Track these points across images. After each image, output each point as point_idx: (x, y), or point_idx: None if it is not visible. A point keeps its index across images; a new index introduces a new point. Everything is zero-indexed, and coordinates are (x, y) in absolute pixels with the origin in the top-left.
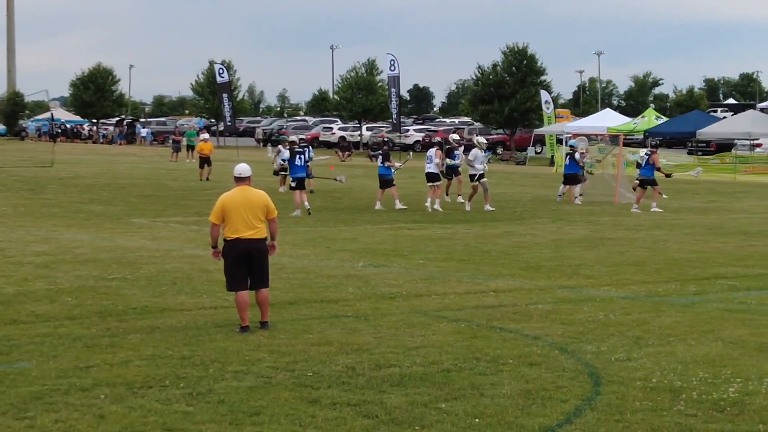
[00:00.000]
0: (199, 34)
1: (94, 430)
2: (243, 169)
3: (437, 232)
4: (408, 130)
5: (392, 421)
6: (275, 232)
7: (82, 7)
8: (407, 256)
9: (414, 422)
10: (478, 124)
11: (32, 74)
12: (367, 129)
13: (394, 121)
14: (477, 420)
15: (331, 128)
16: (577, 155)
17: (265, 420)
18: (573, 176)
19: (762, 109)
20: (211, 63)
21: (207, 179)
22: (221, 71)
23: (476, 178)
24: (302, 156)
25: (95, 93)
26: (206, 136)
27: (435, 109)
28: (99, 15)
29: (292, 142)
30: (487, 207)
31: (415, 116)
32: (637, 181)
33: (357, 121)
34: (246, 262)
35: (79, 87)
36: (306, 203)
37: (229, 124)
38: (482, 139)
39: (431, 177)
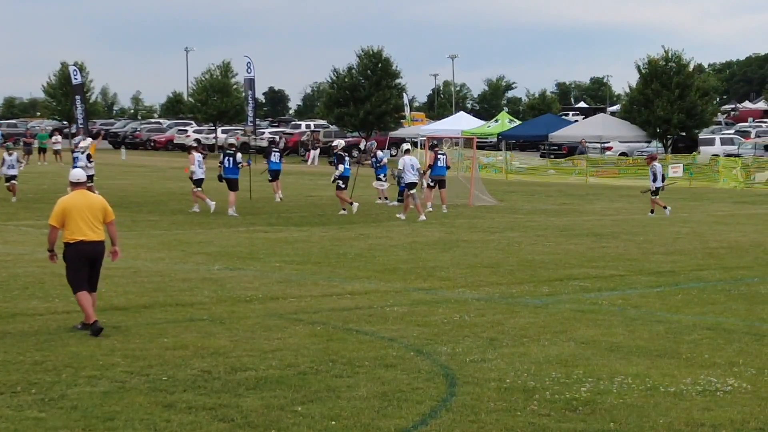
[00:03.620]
0: (50, 35)
1: None
2: (79, 174)
3: (293, 235)
4: (263, 133)
5: (248, 425)
6: (115, 237)
7: None
8: (263, 259)
9: (270, 425)
10: (333, 127)
11: None
12: (223, 131)
13: (250, 124)
14: (333, 422)
15: (186, 131)
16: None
17: (119, 425)
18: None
19: (612, 113)
20: (64, 64)
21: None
22: (75, 73)
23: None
24: (232, 158)
25: None
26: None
27: (291, 111)
28: None
29: (231, 145)
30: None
31: (270, 119)
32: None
33: (212, 124)
34: (89, 264)
35: None
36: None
37: (81, 126)
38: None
39: (413, 185)
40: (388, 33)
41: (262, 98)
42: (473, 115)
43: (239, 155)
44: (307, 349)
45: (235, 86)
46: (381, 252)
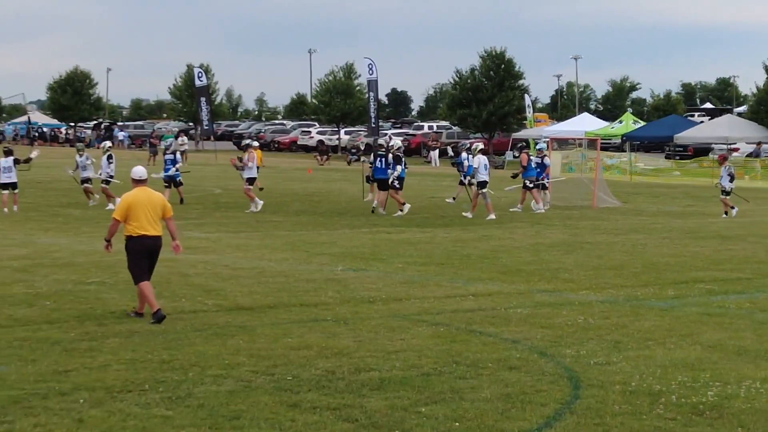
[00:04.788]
0: (177, 38)
1: None
2: (141, 172)
3: (416, 236)
4: (386, 134)
5: (372, 425)
6: (175, 231)
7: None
8: (386, 260)
9: (394, 426)
10: (456, 128)
11: (9, 77)
12: (346, 133)
13: (373, 125)
14: (457, 424)
15: (310, 132)
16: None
17: (244, 424)
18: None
19: (739, 114)
20: (189, 66)
21: (260, 189)
22: (200, 75)
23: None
24: (383, 159)
25: (73, 96)
26: (256, 143)
27: (413, 113)
28: (77, 17)
29: (380, 146)
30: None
31: (393, 120)
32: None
33: (335, 125)
34: (147, 257)
35: (56, 90)
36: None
37: (206, 127)
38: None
39: (484, 184)
40: (511, 34)
41: (384, 99)
42: (597, 116)
43: (390, 156)
44: (431, 350)
45: (358, 88)
46: (504, 253)
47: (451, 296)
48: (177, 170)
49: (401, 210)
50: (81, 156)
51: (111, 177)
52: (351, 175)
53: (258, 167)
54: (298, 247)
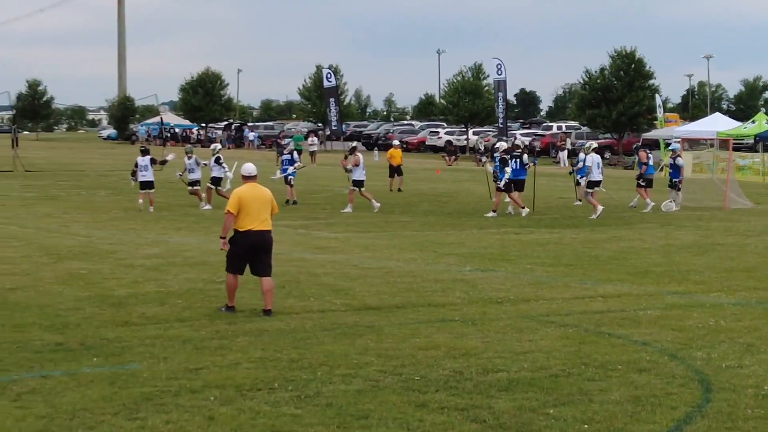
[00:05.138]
0: (306, 39)
1: None
2: (251, 168)
3: (545, 237)
4: (515, 135)
5: (500, 426)
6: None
7: (192, 12)
8: (514, 261)
9: (522, 427)
10: (585, 129)
11: (142, 79)
12: (474, 133)
13: (501, 125)
14: (585, 426)
15: (438, 132)
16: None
17: (373, 423)
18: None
19: None
20: (319, 67)
21: (399, 190)
22: (329, 76)
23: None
24: (518, 159)
25: (204, 97)
26: (396, 142)
27: (542, 113)
28: (208, 20)
29: (516, 146)
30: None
31: (521, 120)
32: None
33: (463, 126)
34: (252, 253)
35: (188, 91)
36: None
37: (335, 128)
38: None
39: (597, 183)
40: (641, 33)
41: (513, 100)
42: (729, 117)
43: (525, 156)
44: (559, 351)
45: (486, 88)
46: (633, 255)
47: (580, 297)
48: (294, 170)
49: (522, 210)
50: (189, 158)
51: (220, 179)
52: (479, 175)
53: (396, 167)
54: (426, 247)
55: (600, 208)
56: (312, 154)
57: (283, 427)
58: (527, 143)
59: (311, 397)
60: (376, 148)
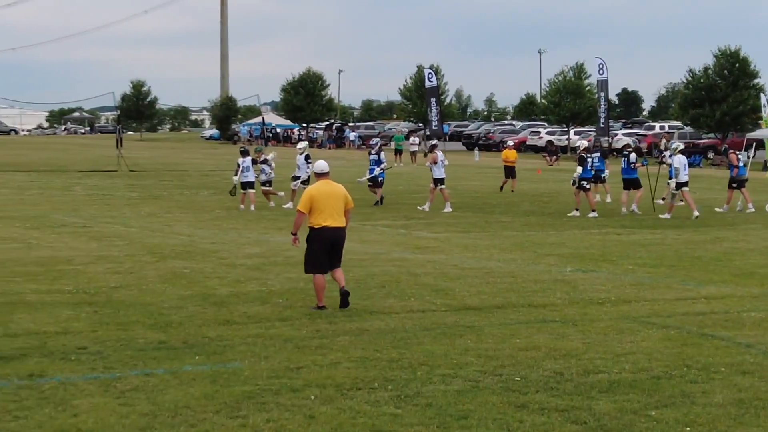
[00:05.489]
0: (407, 39)
1: (304, 431)
2: (324, 165)
3: (646, 237)
4: (616, 134)
5: (601, 428)
6: (348, 222)
7: (293, 13)
8: (616, 262)
9: (623, 429)
10: (688, 128)
11: (244, 79)
12: (575, 133)
13: (602, 125)
14: (688, 429)
15: (539, 132)
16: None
17: (472, 424)
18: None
19: None
20: (420, 67)
21: (512, 191)
22: (430, 76)
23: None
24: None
25: (305, 97)
26: (511, 143)
27: (644, 113)
28: (309, 21)
29: (626, 146)
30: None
31: (623, 120)
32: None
33: (564, 126)
34: (329, 248)
35: (289, 91)
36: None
37: (436, 128)
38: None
39: (684, 184)
40: (745, 32)
41: (614, 99)
42: None
43: (633, 155)
44: (661, 353)
45: (588, 87)
46: (737, 256)
47: (682, 299)
48: (382, 170)
49: (594, 211)
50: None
51: (308, 178)
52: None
53: (510, 167)
54: (527, 247)
55: (695, 212)
56: (413, 154)
57: (383, 427)
58: (635, 143)
59: (411, 397)
60: (476, 148)
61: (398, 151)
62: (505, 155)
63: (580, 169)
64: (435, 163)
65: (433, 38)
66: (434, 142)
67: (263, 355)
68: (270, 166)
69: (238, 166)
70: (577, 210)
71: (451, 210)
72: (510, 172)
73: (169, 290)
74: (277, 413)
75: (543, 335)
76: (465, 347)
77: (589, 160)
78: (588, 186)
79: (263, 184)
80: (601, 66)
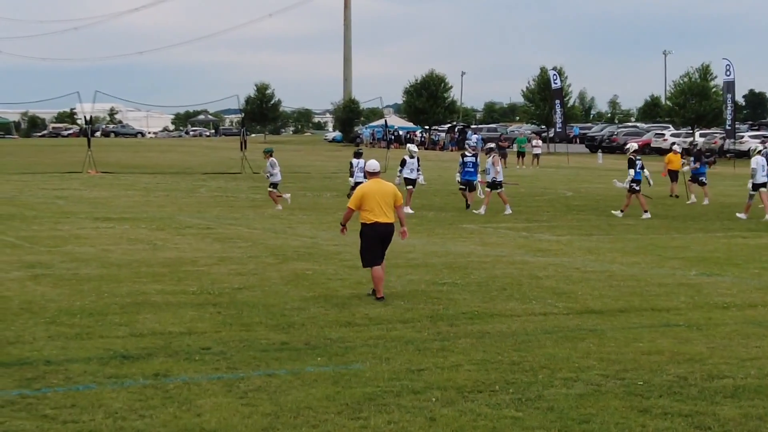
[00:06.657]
0: (530, 41)
1: None
2: (375, 165)
3: None
4: (743, 137)
5: None
6: (403, 218)
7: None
8: (741, 266)
9: None
10: None
11: (367, 81)
12: (701, 135)
13: (728, 127)
14: None
15: (663, 135)
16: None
17: (594, 428)
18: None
19: None
20: (543, 69)
21: (676, 196)
22: (554, 77)
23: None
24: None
25: (428, 100)
26: (677, 148)
27: None
28: (431, 23)
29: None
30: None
31: (750, 122)
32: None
33: (689, 128)
34: (380, 243)
35: (412, 94)
36: None
37: (559, 130)
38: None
39: (762, 185)
40: None
41: (741, 101)
42: None
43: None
44: None
45: (714, 89)
46: None
47: None
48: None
49: (647, 212)
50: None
51: (415, 180)
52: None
53: (673, 172)
54: (650, 250)
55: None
56: (535, 156)
57: (504, 430)
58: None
59: (532, 401)
60: (599, 150)
61: (520, 154)
62: (668, 159)
63: (632, 172)
64: (497, 164)
65: (557, 40)
66: (491, 145)
67: (384, 357)
68: (275, 169)
69: (352, 166)
70: (621, 211)
71: (510, 212)
72: (673, 175)
73: (291, 292)
74: (398, 415)
75: (666, 339)
76: (587, 351)
77: (639, 162)
78: (638, 188)
79: (271, 186)
80: (728, 67)
